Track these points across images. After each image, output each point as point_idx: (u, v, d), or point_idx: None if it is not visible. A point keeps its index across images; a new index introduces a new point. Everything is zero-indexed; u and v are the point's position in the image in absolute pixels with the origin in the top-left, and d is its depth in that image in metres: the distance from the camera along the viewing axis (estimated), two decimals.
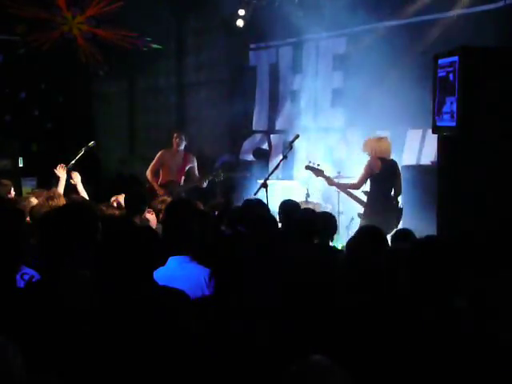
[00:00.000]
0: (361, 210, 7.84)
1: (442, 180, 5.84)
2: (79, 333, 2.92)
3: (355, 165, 8.54)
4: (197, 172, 9.34)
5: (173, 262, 3.97)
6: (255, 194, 7.39)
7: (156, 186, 9.08)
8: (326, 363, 2.10)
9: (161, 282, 3.35)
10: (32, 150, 12.17)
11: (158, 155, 9.30)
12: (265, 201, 6.77)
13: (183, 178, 9.29)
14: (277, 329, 3.04)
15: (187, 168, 9.27)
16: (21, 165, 11.03)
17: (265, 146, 11.00)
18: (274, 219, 5.22)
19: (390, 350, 2.89)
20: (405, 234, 5.10)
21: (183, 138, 9.25)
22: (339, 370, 2.08)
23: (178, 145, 9.21)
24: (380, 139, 7.76)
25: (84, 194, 7.45)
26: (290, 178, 10.05)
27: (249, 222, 4.97)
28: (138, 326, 2.96)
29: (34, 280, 3.70)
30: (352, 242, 4.01)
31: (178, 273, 3.86)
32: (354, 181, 7.84)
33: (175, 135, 9.27)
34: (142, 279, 3.27)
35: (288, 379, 2.07)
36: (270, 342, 2.95)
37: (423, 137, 8.68)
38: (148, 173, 9.23)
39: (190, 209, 4.45)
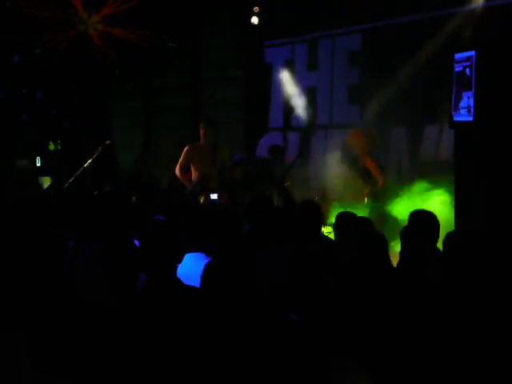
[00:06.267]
0: None
1: (459, 175, 5.80)
2: (92, 331, 2.90)
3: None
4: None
5: (189, 259, 3.97)
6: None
7: (187, 183, 8.62)
8: (349, 365, 2.09)
9: None
10: (49, 149, 12.25)
11: (184, 151, 8.73)
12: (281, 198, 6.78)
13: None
14: (298, 329, 3.02)
15: (218, 163, 8.61)
16: (38, 164, 11.11)
17: (281, 144, 10.97)
18: (280, 215, 5.16)
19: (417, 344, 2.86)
20: None
21: (209, 131, 8.60)
22: (362, 371, 2.07)
23: (203, 139, 8.64)
24: (369, 134, 7.97)
25: None
26: (307, 175, 10.02)
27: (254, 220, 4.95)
28: (156, 326, 2.94)
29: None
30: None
31: (194, 270, 3.85)
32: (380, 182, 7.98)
33: (202, 127, 8.66)
34: (165, 276, 3.27)
35: (312, 380, 2.06)
36: (289, 344, 2.91)
37: (440, 132, 8.62)
38: (176, 170, 8.72)
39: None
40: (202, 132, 8.63)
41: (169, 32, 11.76)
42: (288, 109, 10.94)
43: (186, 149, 8.74)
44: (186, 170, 8.69)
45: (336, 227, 5.48)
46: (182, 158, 8.71)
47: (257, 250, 4.38)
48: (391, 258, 4.43)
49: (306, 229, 5.16)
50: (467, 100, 5.52)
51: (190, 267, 3.88)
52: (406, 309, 3.16)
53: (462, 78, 5.59)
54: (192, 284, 3.34)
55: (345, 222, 5.37)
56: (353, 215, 5.75)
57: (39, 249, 3.91)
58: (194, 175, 8.70)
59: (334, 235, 5.53)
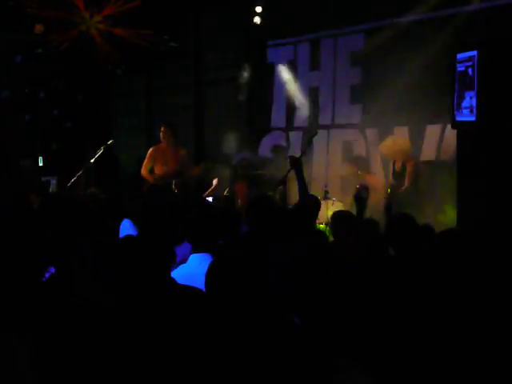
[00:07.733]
0: None
1: (462, 175, 5.80)
2: (89, 331, 2.90)
3: (373, 161, 8.52)
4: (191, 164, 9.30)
5: (194, 259, 3.97)
6: (274, 191, 7.39)
7: (155, 181, 8.79)
8: (349, 366, 2.08)
9: (182, 280, 3.35)
10: (52, 148, 12.26)
11: (148, 153, 9.17)
12: (283, 198, 6.78)
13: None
14: (297, 328, 3.02)
15: (180, 162, 9.08)
16: (41, 164, 11.11)
17: (283, 143, 10.98)
18: (278, 215, 5.16)
19: (412, 344, 2.86)
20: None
21: (168, 132, 9.08)
22: (362, 372, 2.06)
23: (163, 140, 9.08)
24: (397, 139, 7.93)
25: None
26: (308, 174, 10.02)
27: (253, 220, 4.96)
28: (153, 327, 2.94)
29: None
30: None
31: (199, 270, 3.85)
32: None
33: (162, 129, 9.11)
34: (158, 278, 3.27)
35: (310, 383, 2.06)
36: (288, 344, 2.91)
37: (442, 132, 8.63)
38: (142, 172, 9.09)
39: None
40: (161, 134, 9.08)
41: (170, 32, 11.77)
42: (290, 109, 10.94)
43: (150, 151, 9.17)
44: (150, 171, 9.09)
45: (334, 226, 5.46)
46: (147, 160, 9.12)
47: (258, 249, 4.38)
48: None
49: (301, 223, 5.17)
50: (470, 100, 5.53)
51: (195, 267, 3.89)
52: (407, 308, 3.17)
53: (465, 77, 5.60)
54: (197, 285, 3.34)
55: (343, 220, 5.36)
56: (351, 214, 5.74)
57: (39, 249, 3.91)
58: (154, 176, 9.01)
59: (332, 234, 5.50)
